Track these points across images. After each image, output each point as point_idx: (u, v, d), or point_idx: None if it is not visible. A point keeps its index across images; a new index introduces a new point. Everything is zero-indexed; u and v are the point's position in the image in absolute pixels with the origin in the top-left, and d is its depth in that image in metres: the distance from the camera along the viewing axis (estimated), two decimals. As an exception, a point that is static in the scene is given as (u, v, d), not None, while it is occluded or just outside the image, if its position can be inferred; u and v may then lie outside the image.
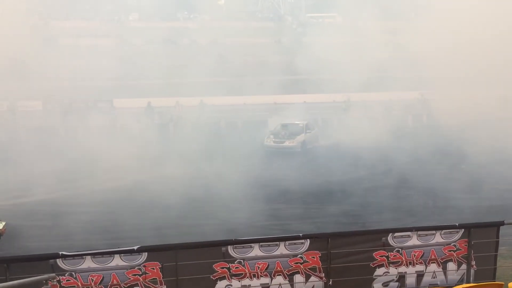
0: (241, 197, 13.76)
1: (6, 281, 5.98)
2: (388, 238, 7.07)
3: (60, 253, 6.31)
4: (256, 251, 6.81)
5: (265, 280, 6.80)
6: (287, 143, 22.05)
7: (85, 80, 27.36)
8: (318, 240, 6.96)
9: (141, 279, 6.50)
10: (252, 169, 17.42)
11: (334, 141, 23.10)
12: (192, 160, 18.64)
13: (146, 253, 6.53)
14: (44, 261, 6.29)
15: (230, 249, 6.74)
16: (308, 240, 6.89)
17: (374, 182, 16.07)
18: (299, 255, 6.86)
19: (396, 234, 7.12)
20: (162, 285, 6.55)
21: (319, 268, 6.88)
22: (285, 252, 6.89)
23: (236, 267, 6.72)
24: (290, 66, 33.23)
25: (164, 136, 24.21)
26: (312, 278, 6.90)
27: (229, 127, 28.02)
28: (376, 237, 7.13)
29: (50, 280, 5.73)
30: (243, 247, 6.80)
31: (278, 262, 6.83)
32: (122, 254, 6.51)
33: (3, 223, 8.01)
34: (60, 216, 12.35)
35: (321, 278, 6.90)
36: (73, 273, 6.32)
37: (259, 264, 6.80)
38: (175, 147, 20.82)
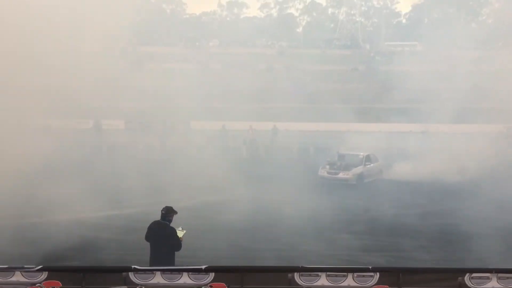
0: (308, 225, 13.58)
1: (81, 289, 6.28)
2: (465, 278, 6.66)
3: (133, 266, 6.53)
4: (323, 280, 6.66)
5: (331, 311, 6.60)
6: (341, 175, 20.62)
7: (166, 101, 28.56)
8: (388, 274, 6.69)
9: None
10: (319, 197, 17.20)
11: (404, 174, 21.64)
12: (263, 183, 18.75)
13: (213, 273, 6.60)
14: (117, 273, 6.53)
15: (296, 276, 6.65)
16: (378, 273, 6.64)
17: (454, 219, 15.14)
18: (364, 289, 6.63)
19: (474, 274, 6.69)
20: (228, 306, 6.56)
21: (388, 303, 6.60)
22: (353, 284, 6.68)
23: (302, 296, 6.59)
24: (366, 94, 32.77)
25: (237, 158, 24.58)
26: (381, 313, 6.62)
27: (301, 153, 27.93)
28: (452, 276, 6.73)
29: (122, 292, 5.94)
30: (310, 275, 6.68)
31: (345, 294, 6.62)
32: (190, 273, 6.62)
33: (183, 232, 8.34)
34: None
35: (389, 313, 6.61)
36: (143, 287, 6.51)
37: (327, 293, 6.63)
38: (246, 169, 21.05)
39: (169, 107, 29.40)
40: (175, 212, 8.35)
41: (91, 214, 14.38)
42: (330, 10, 58.09)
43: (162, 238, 8.12)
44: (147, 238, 8.36)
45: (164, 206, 8.39)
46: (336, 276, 6.68)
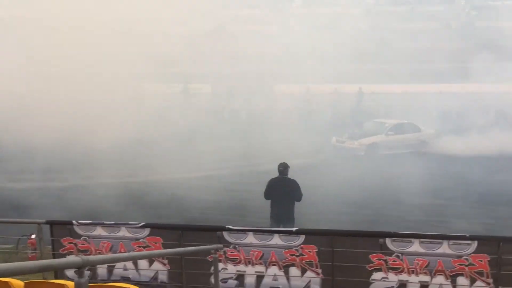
0: (398, 190, 13.30)
1: (180, 246, 6.67)
2: None
3: (226, 226, 6.81)
4: (416, 246, 6.54)
5: (424, 278, 6.50)
6: (346, 144, 18.68)
7: (249, 64, 28.71)
8: (487, 243, 6.42)
9: (297, 260, 6.71)
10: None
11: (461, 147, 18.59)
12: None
13: (304, 236, 6.71)
14: (212, 232, 6.85)
15: (388, 241, 6.58)
16: (476, 241, 6.39)
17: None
18: (464, 257, 6.41)
19: None
20: (317, 268, 6.68)
21: (486, 273, 6.36)
22: (448, 251, 6.49)
23: (393, 261, 6.54)
24: (460, 53, 30.77)
25: (320, 122, 24.32)
26: (478, 283, 6.40)
27: (388, 116, 27.03)
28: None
29: (218, 250, 6.22)
30: (402, 241, 6.58)
31: (440, 261, 6.46)
32: (281, 234, 6.79)
33: None
34: (226, 192, 13.27)
35: (488, 284, 6.37)
36: (237, 246, 6.78)
37: (419, 260, 6.52)
38: (330, 134, 20.73)
39: (254, 71, 29.56)
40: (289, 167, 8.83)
41: (187, 174, 15.05)
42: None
43: (286, 192, 8.51)
44: (268, 195, 8.75)
45: (280, 163, 8.76)
46: (430, 243, 6.52)
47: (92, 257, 3.04)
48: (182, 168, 15.48)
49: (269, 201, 8.90)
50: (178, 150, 17.12)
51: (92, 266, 5.67)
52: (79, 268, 2.85)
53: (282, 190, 8.64)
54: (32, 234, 7.42)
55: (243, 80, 29.80)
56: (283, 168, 8.79)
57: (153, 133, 18.85)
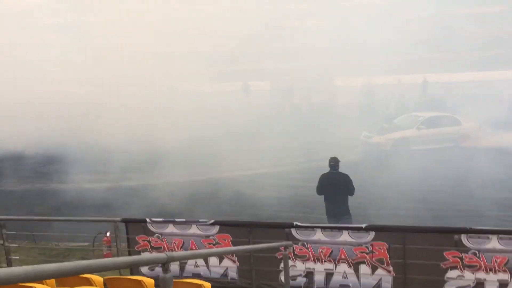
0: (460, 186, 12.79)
1: (249, 242, 6.75)
2: None
3: (295, 223, 6.81)
4: (494, 243, 6.24)
5: (503, 276, 6.19)
6: (374, 139, 17.62)
7: (307, 59, 28.55)
8: None
9: (368, 257, 6.59)
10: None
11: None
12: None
13: (374, 232, 6.59)
14: (281, 229, 6.87)
15: (463, 237, 6.33)
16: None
17: None
18: (549, 253, 6.04)
19: None
20: (388, 265, 6.53)
21: None
22: (529, 248, 6.15)
23: (470, 258, 6.28)
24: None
25: (383, 115, 23.76)
26: None
27: (453, 107, 25.94)
28: None
29: (287, 247, 6.24)
30: (479, 237, 6.30)
31: (521, 259, 6.14)
32: (350, 231, 6.69)
33: None
34: (287, 188, 13.30)
35: None
36: (305, 243, 6.76)
37: (497, 258, 6.22)
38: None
39: (311, 65, 29.34)
40: (340, 161, 8.80)
41: (250, 172, 15.21)
42: None
43: (338, 187, 8.45)
44: (322, 190, 8.70)
45: (331, 157, 8.70)
46: (509, 239, 6.20)
47: (176, 253, 3.14)
48: (246, 165, 15.64)
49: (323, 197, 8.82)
50: (241, 147, 17.32)
51: (176, 261, 5.84)
52: (164, 264, 2.94)
53: (335, 185, 8.56)
54: (107, 232, 7.75)
55: (302, 74, 29.67)
56: (334, 162, 8.72)
57: (216, 132, 19.19)
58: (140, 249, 7.20)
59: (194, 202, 12.31)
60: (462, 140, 18.11)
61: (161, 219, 7.20)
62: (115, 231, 6.91)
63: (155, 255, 3.20)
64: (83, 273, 2.42)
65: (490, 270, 6.23)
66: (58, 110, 19.84)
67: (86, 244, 9.43)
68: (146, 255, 5.52)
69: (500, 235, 6.22)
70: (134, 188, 14.05)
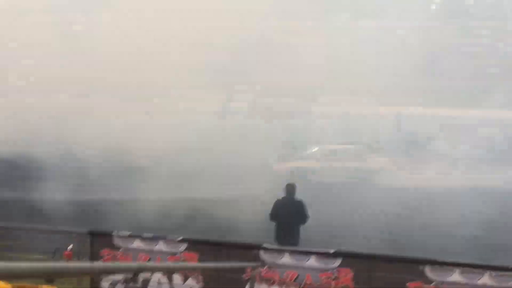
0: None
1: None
2: None
3: (264, 245, 6.80)
4: (456, 276, 6.31)
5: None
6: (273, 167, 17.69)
7: (293, 76, 28.55)
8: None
9: (333, 284, 6.60)
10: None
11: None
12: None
13: (341, 258, 6.61)
14: (249, 250, 6.85)
15: (428, 269, 6.38)
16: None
17: None
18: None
19: None
20: (353, 293, 6.55)
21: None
22: (490, 283, 6.22)
23: (432, 291, 6.32)
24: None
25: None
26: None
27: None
28: None
29: (255, 269, 6.20)
30: (443, 269, 6.36)
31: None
32: (316, 256, 6.70)
33: None
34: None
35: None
36: (272, 266, 6.75)
37: (461, 292, 6.27)
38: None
39: (294, 83, 29.31)
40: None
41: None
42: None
43: (293, 213, 8.39)
44: (275, 216, 8.63)
45: (287, 183, 8.67)
46: (472, 273, 6.28)
47: (148, 264, 3.11)
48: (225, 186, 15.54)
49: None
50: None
51: (147, 272, 5.74)
52: (134, 274, 2.86)
53: (289, 211, 8.46)
54: (70, 245, 7.57)
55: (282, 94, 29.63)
56: (291, 188, 8.66)
57: (194, 147, 19.03)
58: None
59: (167, 219, 12.16)
60: (366, 175, 17.63)
61: (127, 233, 7.13)
62: (79, 244, 6.79)
63: (126, 263, 3.16)
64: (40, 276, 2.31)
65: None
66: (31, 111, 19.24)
67: (44, 257, 9.16)
68: (117, 263, 5.43)
69: (463, 268, 6.29)
70: (107, 201, 13.84)
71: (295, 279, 6.66)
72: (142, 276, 6.64)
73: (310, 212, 8.31)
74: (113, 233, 7.08)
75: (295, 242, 8.31)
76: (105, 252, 7.11)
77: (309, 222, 8.58)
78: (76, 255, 7.03)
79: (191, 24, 23.35)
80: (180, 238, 6.97)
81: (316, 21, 38.61)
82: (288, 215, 8.46)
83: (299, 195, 9.09)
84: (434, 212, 14.07)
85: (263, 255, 6.77)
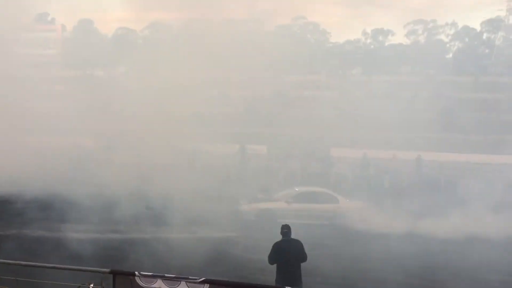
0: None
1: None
2: None
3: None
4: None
5: None
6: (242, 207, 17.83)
7: (308, 128, 28.92)
8: None
9: None
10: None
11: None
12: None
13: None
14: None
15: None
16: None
17: None
18: None
19: None
20: None
21: None
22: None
23: None
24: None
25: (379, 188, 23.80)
26: None
27: (448, 185, 25.93)
28: None
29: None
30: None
31: None
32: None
33: None
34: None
35: None
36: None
37: None
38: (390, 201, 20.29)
39: (311, 135, 29.68)
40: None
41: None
42: (485, 35, 54.23)
43: (294, 254, 8.42)
44: (276, 259, 8.61)
45: (283, 225, 8.82)
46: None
47: None
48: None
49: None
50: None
51: None
52: None
53: (289, 253, 8.52)
54: (91, 283, 7.50)
55: (299, 142, 29.98)
56: (287, 230, 8.76)
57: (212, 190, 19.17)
58: (125, 303, 6.97)
59: (191, 259, 12.09)
60: (336, 218, 17.76)
61: (150, 273, 7.06)
62: (102, 283, 6.72)
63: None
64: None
65: None
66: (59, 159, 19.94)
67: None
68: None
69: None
70: (129, 241, 13.85)
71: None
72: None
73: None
74: (136, 273, 7.02)
75: (299, 283, 8.32)
76: (127, 291, 7.01)
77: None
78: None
79: (209, 76, 24.01)
80: (202, 279, 6.87)
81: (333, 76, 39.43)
82: (291, 256, 8.40)
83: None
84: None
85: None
